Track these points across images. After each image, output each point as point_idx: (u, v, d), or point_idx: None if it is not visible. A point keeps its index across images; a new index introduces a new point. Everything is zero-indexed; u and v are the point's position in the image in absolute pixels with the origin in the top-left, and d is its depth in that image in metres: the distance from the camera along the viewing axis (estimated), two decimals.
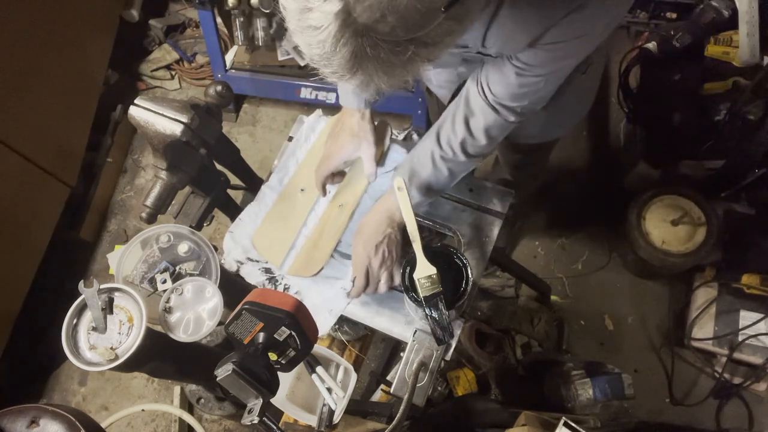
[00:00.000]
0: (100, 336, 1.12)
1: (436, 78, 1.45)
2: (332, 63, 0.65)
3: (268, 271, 1.32)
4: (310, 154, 1.45)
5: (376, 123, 1.34)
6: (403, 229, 1.20)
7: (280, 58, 2.49)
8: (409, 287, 1.18)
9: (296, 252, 1.34)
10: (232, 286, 1.33)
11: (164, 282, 1.32)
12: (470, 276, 1.18)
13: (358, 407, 1.44)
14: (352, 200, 1.37)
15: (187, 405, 2.04)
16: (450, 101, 1.50)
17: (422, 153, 1.17)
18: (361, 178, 1.40)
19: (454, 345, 1.20)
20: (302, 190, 1.41)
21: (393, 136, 1.46)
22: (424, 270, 1.15)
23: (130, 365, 1.11)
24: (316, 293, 1.29)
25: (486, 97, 1.05)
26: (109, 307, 1.13)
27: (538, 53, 0.92)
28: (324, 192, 1.35)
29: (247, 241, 1.35)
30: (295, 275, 1.31)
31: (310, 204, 1.39)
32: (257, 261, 1.33)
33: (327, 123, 1.50)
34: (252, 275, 1.33)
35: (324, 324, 1.25)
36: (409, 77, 0.71)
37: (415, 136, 1.48)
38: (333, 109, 1.55)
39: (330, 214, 1.37)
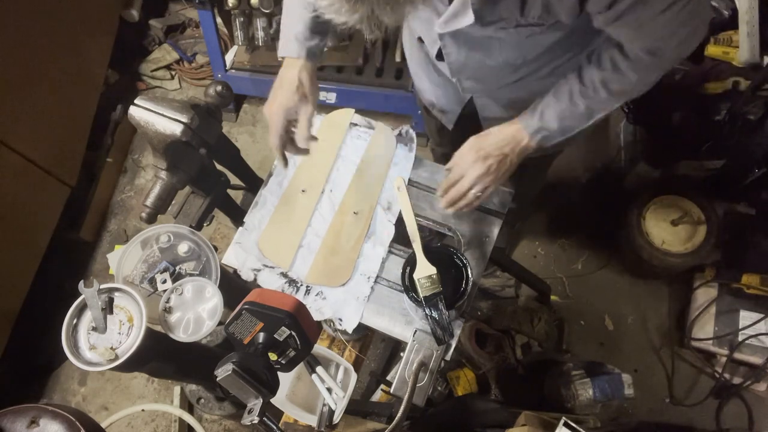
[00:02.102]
0: (100, 336, 1.12)
1: (440, 101, 1.43)
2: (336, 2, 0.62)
3: (285, 275, 1.31)
4: (308, 156, 1.44)
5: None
6: (522, 159, 1.15)
7: (280, 58, 2.48)
8: (409, 287, 1.18)
9: (307, 254, 1.33)
10: (232, 286, 1.33)
11: (164, 282, 1.32)
12: (470, 276, 1.18)
13: (358, 407, 1.44)
14: (367, 208, 1.36)
15: (187, 405, 2.04)
16: (455, 125, 1.49)
17: (559, 89, 1.10)
18: (374, 184, 1.39)
19: (454, 345, 1.20)
20: (303, 191, 1.40)
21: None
22: (424, 270, 1.16)
23: (130, 365, 1.11)
24: (339, 289, 1.29)
25: (633, 47, 1.00)
26: (109, 307, 1.13)
27: (618, 13, 0.87)
28: (285, 163, 1.23)
29: (256, 248, 1.34)
30: (316, 283, 1.29)
31: (312, 204, 1.39)
32: (273, 267, 1.32)
33: (321, 122, 1.50)
34: (270, 281, 1.32)
35: (356, 311, 1.25)
36: (415, 4, 0.67)
37: (410, 132, 1.47)
38: (332, 108, 1.55)
39: (343, 220, 1.36)
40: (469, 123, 1.51)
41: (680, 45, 0.97)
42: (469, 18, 0.93)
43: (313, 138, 1.20)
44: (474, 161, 1.13)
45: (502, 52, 1.10)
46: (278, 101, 1.17)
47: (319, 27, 1.17)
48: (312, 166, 1.43)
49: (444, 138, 1.72)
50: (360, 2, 0.64)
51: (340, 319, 1.25)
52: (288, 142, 1.20)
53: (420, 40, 1.26)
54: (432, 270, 1.15)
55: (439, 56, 1.17)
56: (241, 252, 1.33)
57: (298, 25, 1.16)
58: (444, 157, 1.42)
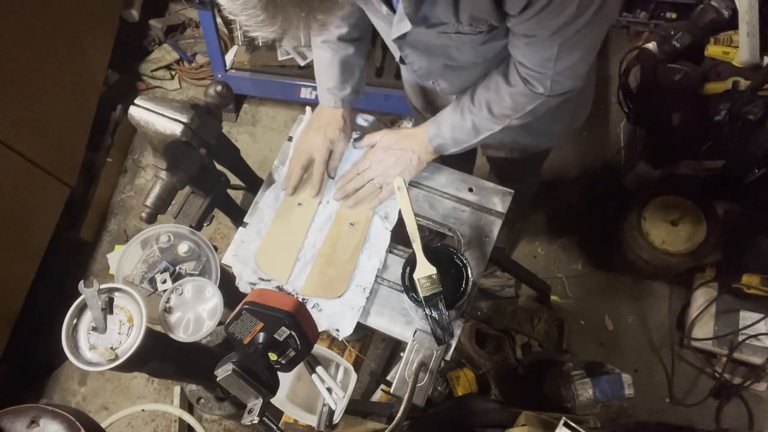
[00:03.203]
0: (100, 336, 1.12)
1: (426, 110, 1.48)
2: (250, 9, 0.64)
3: (281, 289, 1.31)
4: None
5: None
6: (424, 161, 1.30)
7: (280, 58, 2.49)
8: (409, 287, 1.18)
9: (304, 267, 1.32)
10: (232, 286, 1.33)
11: (164, 282, 1.32)
12: (470, 276, 1.18)
13: (358, 407, 1.44)
14: (363, 219, 1.36)
15: (187, 405, 2.04)
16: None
17: (457, 103, 1.22)
18: (369, 196, 1.39)
19: (454, 345, 1.20)
20: (299, 204, 1.40)
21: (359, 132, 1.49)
22: (424, 270, 1.15)
23: (130, 365, 1.11)
24: (335, 300, 1.28)
25: (517, 69, 1.07)
26: (109, 307, 1.13)
27: (525, 18, 0.90)
28: (319, 190, 1.38)
29: (253, 261, 1.34)
30: (313, 296, 1.29)
31: (309, 217, 1.38)
32: (269, 280, 1.32)
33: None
34: None
35: (351, 322, 1.25)
36: (330, 15, 0.69)
37: (405, 123, 1.48)
38: None
39: (339, 230, 1.35)
40: None
41: (557, 75, 1.01)
42: (406, 24, 0.96)
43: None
44: (382, 146, 1.31)
45: (461, 54, 1.12)
46: (324, 135, 1.33)
47: (347, 77, 1.32)
48: (308, 178, 1.42)
49: None
50: (280, 17, 0.65)
51: (337, 330, 1.25)
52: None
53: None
54: (432, 270, 1.15)
55: (402, 61, 1.22)
56: (238, 264, 1.33)
57: (329, 82, 1.32)
58: (441, 161, 1.43)
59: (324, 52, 1.30)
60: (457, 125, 1.21)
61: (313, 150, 1.34)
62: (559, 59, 0.97)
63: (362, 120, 1.50)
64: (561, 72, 1.01)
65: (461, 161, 1.48)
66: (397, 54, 1.20)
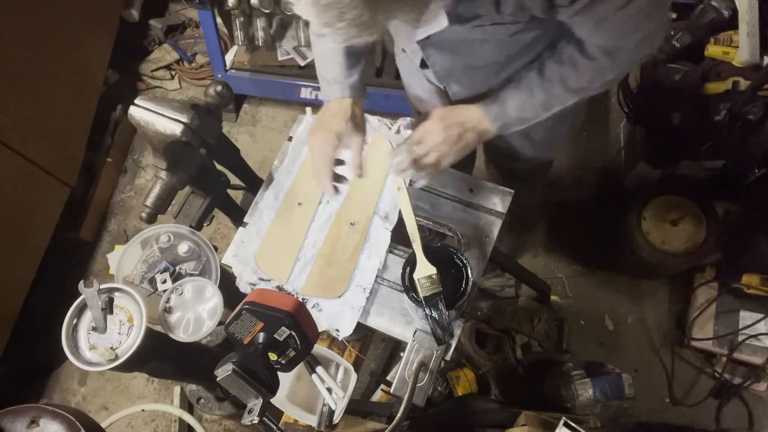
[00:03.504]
0: (100, 336, 1.12)
1: (431, 99, 1.40)
2: (346, 9, 0.59)
3: (282, 289, 1.31)
4: (304, 167, 1.44)
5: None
6: (480, 142, 1.17)
7: (280, 58, 2.49)
8: (409, 287, 1.18)
9: (304, 267, 1.32)
10: (232, 286, 1.33)
11: (164, 282, 1.32)
12: (470, 276, 1.18)
13: (358, 407, 1.44)
14: (363, 219, 1.36)
15: (187, 405, 2.04)
16: None
17: (521, 80, 1.12)
18: (369, 194, 1.39)
19: (454, 345, 1.20)
20: (299, 203, 1.39)
21: (383, 128, 1.43)
22: (424, 270, 1.16)
23: (130, 365, 1.11)
24: (335, 300, 1.28)
25: (594, 50, 1.01)
26: (109, 307, 1.13)
27: (579, 7, 0.88)
28: (336, 190, 1.20)
29: (253, 261, 1.34)
30: (313, 296, 1.29)
31: (309, 216, 1.38)
32: (269, 280, 1.32)
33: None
34: None
35: (351, 322, 1.25)
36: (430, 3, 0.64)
37: (405, 131, 1.47)
38: None
39: (339, 230, 1.35)
40: None
41: (637, 45, 0.98)
42: (442, 22, 0.93)
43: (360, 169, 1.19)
44: (437, 128, 1.14)
45: (485, 52, 1.10)
46: (328, 127, 1.15)
47: (353, 62, 1.19)
48: (308, 178, 1.42)
49: None
50: (380, 9, 0.61)
51: (337, 330, 1.25)
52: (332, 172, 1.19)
53: (404, 51, 1.27)
54: (432, 270, 1.15)
55: (423, 65, 1.18)
56: (238, 264, 1.32)
57: (334, 69, 1.18)
58: None
59: (325, 38, 1.18)
60: (525, 103, 1.12)
61: (314, 148, 1.19)
62: (636, 29, 0.93)
63: None
64: (641, 40, 0.96)
65: (461, 161, 1.46)
66: (418, 56, 1.16)
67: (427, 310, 1.14)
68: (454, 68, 1.18)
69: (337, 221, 1.36)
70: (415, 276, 1.16)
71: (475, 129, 1.15)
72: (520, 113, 1.13)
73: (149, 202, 1.26)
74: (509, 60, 1.14)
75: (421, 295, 1.14)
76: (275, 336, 0.93)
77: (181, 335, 1.23)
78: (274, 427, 0.98)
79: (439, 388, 1.83)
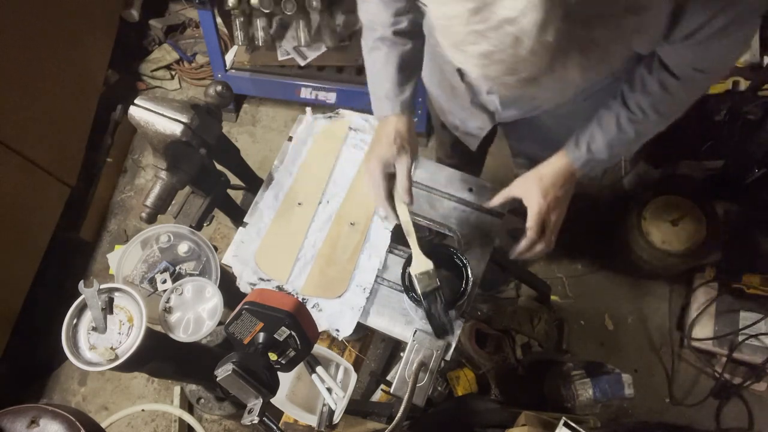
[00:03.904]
0: (100, 336, 1.12)
1: (465, 124, 1.40)
2: (522, 66, 0.54)
3: (282, 288, 1.31)
4: (304, 168, 1.44)
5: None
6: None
7: (280, 58, 2.49)
8: (409, 287, 1.18)
9: (304, 267, 1.32)
10: (232, 286, 1.33)
11: (164, 282, 1.32)
12: (470, 276, 1.18)
13: (358, 407, 1.44)
14: (363, 219, 1.36)
15: (187, 405, 2.04)
16: (479, 148, 1.47)
17: (602, 119, 1.09)
18: (370, 194, 1.38)
19: (454, 345, 1.20)
20: (299, 203, 1.39)
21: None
22: (421, 265, 1.14)
23: (130, 365, 1.11)
24: (335, 300, 1.28)
25: (688, 71, 0.97)
26: (109, 307, 1.13)
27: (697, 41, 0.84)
28: (396, 216, 1.18)
29: (253, 261, 1.34)
30: (313, 295, 1.29)
31: (309, 216, 1.38)
32: (269, 280, 1.32)
33: (322, 128, 1.49)
34: None
35: (351, 322, 1.25)
36: (615, 59, 0.60)
37: None
38: (332, 108, 1.55)
39: (339, 230, 1.35)
40: (488, 143, 1.50)
41: (730, 60, 0.97)
42: None
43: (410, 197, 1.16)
44: (549, 207, 1.13)
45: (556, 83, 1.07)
46: (375, 154, 1.14)
47: (406, 77, 1.16)
48: (308, 178, 1.42)
49: (456, 152, 1.71)
50: (560, 66, 0.55)
51: (337, 330, 1.25)
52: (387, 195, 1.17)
53: (459, 71, 1.21)
54: (429, 265, 1.14)
55: (491, 90, 1.15)
56: (238, 264, 1.33)
57: (386, 84, 1.15)
58: (451, 167, 1.41)
59: (378, 52, 1.15)
60: (615, 141, 1.09)
61: (367, 178, 1.16)
62: (737, 50, 0.91)
63: (362, 120, 1.50)
64: (736, 57, 0.95)
65: (470, 165, 1.44)
66: (488, 82, 1.13)
67: (425, 305, 1.14)
68: (522, 97, 1.15)
69: (337, 221, 1.36)
70: (412, 272, 1.15)
71: (570, 183, 1.15)
72: (610, 151, 1.11)
73: (149, 202, 1.26)
74: (580, 90, 1.12)
75: (419, 291, 1.14)
76: (275, 336, 0.93)
77: (181, 335, 1.22)
78: (274, 427, 0.98)
79: (439, 388, 1.83)
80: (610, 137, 1.09)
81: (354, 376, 1.22)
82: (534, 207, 1.13)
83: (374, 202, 1.18)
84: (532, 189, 1.14)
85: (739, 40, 0.89)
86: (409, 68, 1.17)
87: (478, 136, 1.39)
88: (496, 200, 1.22)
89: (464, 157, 1.69)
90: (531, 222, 1.14)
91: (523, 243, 1.15)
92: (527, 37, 0.51)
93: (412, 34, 1.14)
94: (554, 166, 1.15)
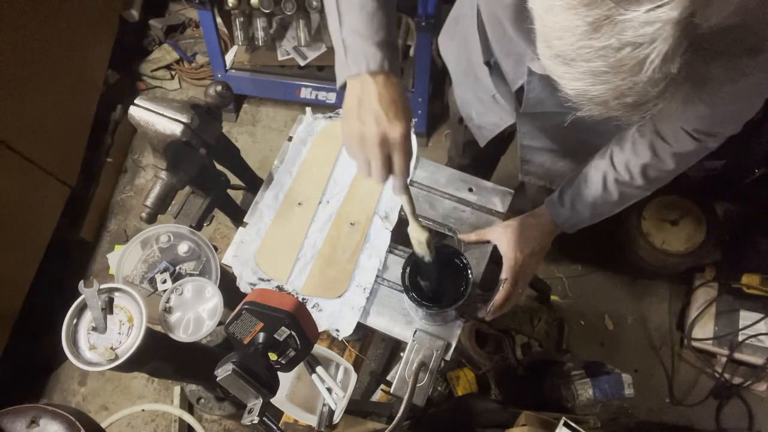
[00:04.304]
0: (100, 336, 1.11)
1: (480, 118, 1.39)
2: (632, 91, 0.50)
3: (281, 289, 1.31)
4: (304, 167, 1.44)
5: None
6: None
7: (280, 58, 2.49)
8: (409, 287, 1.18)
9: (304, 266, 1.32)
10: (232, 286, 1.33)
11: (164, 282, 1.32)
12: (470, 276, 1.18)
13: (358, 407, 1.44)
14: (364, 219, 1.36)
15: (187, 405, 2.04)
16: (492, 153, 1.46)
17: (590, 177, 1.07)
18: (370, 194, 1.38)
19: (454, 345, 1.20)
20: (299, 203, 1.39)
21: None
22: (417, 233, 1.06)
23: (130, 365, 1.11)
24: (335, 300, 1.28)
25: (685, 130, 0.90)
26: (109, 307, 1.13)
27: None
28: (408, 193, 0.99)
29: (253, 262, 1.34)
30: (313, 295, 1.29)
31: (309, 216, 1.38)
32: (269, 280, 1.32)
33: (322, 128, 1.49)
34: None
35: (350, 322, 1.24)
36: (715, 97, 0.57)
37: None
38: (332, 108, 1.55)
39: (339, 230, 1.35)
40: (500, 142, 1.50)
41: (729, 127, 0.91)
42: None
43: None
44: (525, 261, 1.14)
45: None
46: (401, 120, 0.83)
47: (389, 20, 0.87)
48: (309, 178, 1.42)
49: (468, 151, 1.71)
50: (668, 97, 0.52)
51: (337, 330, 1.25)
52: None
53: (488, 64, 1.21)
54: (425, 234, 1.06)
55: (519, 91, 1.13)
56: (238, 265, 1.33)
57: (379, 33, 0.84)
58: (461, 168, 1.41)
59: None
60: (599, 201, 1.07)
61: (364, 153, 0.87)
62: (742, 111, 0.85)
63: None
64: (741, 120, 0.88)
65: (482, 170, 1.42)
66: (517, 83, 1.11)
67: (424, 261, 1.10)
68: (545, 101, 1.12)
69: (337, 221, 1.36)
70: (409, 231, 1.06)
71: (550, 239, 1.17)
72: (593, 211, 1.10)
73: (149, 202, 1.26)
74: None
75: (415, 249, 1.08)
76: (275, 336, 0.93)
77: (181, 335, 1.22)
78: (274, 427, 0.98)
79: (439, 388, 1.83)
80: (594, 197, 1.08)
81: (354, 376, 1.22)
82: (510, 260, 1.15)
83: (399, 187, 0.95)
84: (511, 241, 1.14)
85: (748, 107, 0.84)
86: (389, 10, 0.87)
87: (490, 132, 1.38)
88: (470, 237, 1.24)
89: (476, 159, 1.69)
90: (506, 273, 1.15)
91: (499, 295, 1.15)
92: (651, 65, 0.47)
93: None
94: (535, 219, 1.16)
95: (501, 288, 1.16)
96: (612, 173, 1.04)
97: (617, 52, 0.47)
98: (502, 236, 1.18)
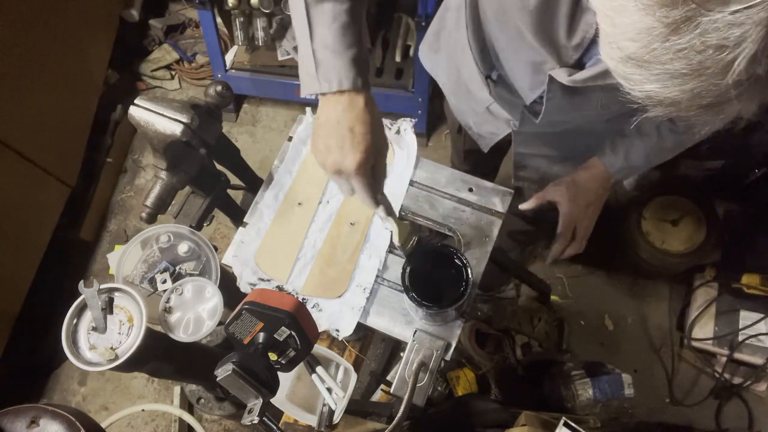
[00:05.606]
0: (100, 336, 1.11)
1: (478, 127, 1.38)
2: (711, 93, 0.48)
3: (281, 289, 1.31)
4: (304, 167, 1.44)
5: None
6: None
7: (280, 58, 2.49)
8: (409, 287, 1.18)
9: (304, 267, 1.32)
10: (232, 286, 1.33)
11: (164, 282, 1.32)
12: (470, 276, 1.18)
13: (358, 407, 1.44)
14: (364, 219, 1.36)
15: (187, 405, 2.04)
16: (491, 160, 1.46)
17: (642, 128, 1.07)
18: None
19: (454, 345, 1.20)
20: (299, 203, 1.39)
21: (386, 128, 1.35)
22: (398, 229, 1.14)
23: (130, 365, 1.11)
24: (335, 300, 1.28)
25: None
26: (109, 307, 1.13)
27: None
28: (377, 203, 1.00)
29: (253, 262, 1.34)
30: (313, 295, 1.29)
31: (309, 216, 1.38)
32: (269, 280, 1.32)
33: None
34: None
35: (350, 322, 1.24)
36: None
37: (408, 131, 1.45)
38: None
39: (340, 231, 1.35)
40: (500, 155, 1.49)
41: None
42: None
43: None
44: (579, 213, 1.16)
45: (599, 100, 1.02)
46: (373, 145, 0.85)
47: (357, 37, 0.86)
48: (309, 178, 1.42)
49: (469, 158, 1.71)
50: (743, 99, 0.49)
51: (337, 330, 1.25)
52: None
53: (489, 78, 1.19)
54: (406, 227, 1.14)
55: (534, 102, 1.10)
56: (238, 265, 1.33)
57: (351, 49, 0.83)
58: (462, 166, 1.41)
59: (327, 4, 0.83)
60: (654, 149, 1.08)
61: (357, 174, 0.88)
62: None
63: None
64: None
65: (483, 176, 1.42)
66: (533, 94, 1.07)
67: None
68: (562, 108, 1.08)
69: (337, 221, 1.37)
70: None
71: (605, 188, 1.17)
72: (647, 159, 1.11)
73: (149, 202, 1.26)
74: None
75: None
76: (275, 336, 0.93)
77: (181, 335, 1.22)
78: (274, 427, 0.98)
79: (439, 388, 1.83)
80: (650, 145, 1.08)
81: (354, 376, 1.22)
82: (565, 212, 1.16)
83: (372, 205, 0.99)
84: (565, 194, 1.15)
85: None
86: (356, 25, 0.86)
87: (491, 140, 1.38)
88: (530, 204, 1.24)
89: (478, 166, 1.69)
90: (561, 227, 1.17)
91: (555, 248, 1.19)
92: (737, 68, 0.44)
93: None
94: (588, 171, 1.16)
95: (557, 243, 1.20)
96: (666, 123, 1.04)
97: (699, 54, 0.44)
98: (556, 192, 1.19)
